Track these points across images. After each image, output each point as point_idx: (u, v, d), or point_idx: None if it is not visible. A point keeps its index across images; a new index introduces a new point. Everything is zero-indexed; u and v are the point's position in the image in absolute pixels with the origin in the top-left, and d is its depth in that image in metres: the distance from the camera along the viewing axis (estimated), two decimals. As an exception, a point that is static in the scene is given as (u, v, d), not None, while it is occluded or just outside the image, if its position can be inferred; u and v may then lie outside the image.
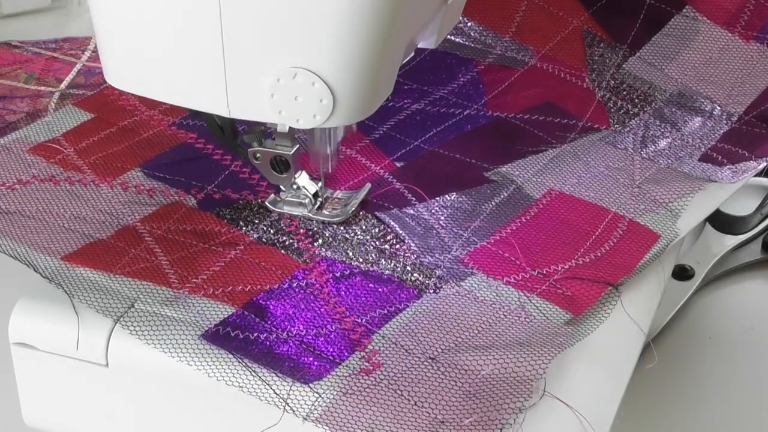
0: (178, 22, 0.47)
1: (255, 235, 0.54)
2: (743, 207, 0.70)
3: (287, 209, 0.56)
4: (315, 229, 0.55)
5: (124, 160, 0.60)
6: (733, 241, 0.67)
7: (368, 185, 0.58)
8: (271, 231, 0.55)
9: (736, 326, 0.62)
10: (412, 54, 0.55)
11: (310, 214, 0.56)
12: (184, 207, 0.57)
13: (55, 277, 0.49)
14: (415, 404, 0.43)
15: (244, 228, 0.55)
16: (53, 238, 0.52)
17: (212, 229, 0.55)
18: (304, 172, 0.56)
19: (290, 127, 0.53)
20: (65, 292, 0.48)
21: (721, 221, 0.69)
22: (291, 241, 0.54)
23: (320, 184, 0.57)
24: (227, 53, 0.47)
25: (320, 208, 0.56)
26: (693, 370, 0.59)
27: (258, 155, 0.55)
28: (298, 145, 0.54)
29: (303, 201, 0.56)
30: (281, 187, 0.56)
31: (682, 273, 0.64)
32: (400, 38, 0.48)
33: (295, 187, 0.56)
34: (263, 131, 0.54)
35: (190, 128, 0.64)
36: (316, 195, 0.56)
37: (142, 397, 0.48)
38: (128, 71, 0.50)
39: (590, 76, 0.69)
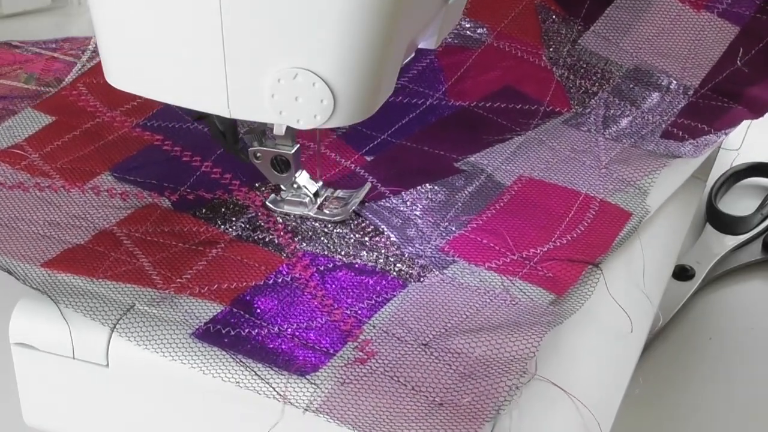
0: (179, 22, 0.47)
1: (234, 233, 0.54)
2: (743, 207, 0.70)
3: (288, 209, 0.56)
4: (294, 224, 0.55)
5: (92, 164, 0.59)
6: (733, 241, 0.67)
7: (368, 184, 0.58)
8: (250, 228, 0.55)
9: (736, 326, 0.62)
10: (413, 55, 0.55)
11: (310, 214, 0.56)
12: (160, 209, 0.56)
13: (39, 284, 0.48)
14: (413, 389, 0.44)
15: (222, 226, 0.55)
16: (30, 246, 0.51)
17: (190, 229, 0.55)
18: (304, 172, 0.56)
19: (290, 127, 0.53)
20: (50, 298, 0.47)
21: (721, 221, 0.68)
22: (271, 236, 0.54)
23: (320, 183, 0.57)
24: (227, 53, 0.47)
25: (321, 207, 0.56)
26: (693, 370, 0.59)
27: (258, 155, 0.55)
28: (298, 145, 0.54)
29: (303, 200, 0.56)
30: (282, 186, 0.56)
31: (682, 273, 0.64)
32: (400, 39, 0.48)
33: (295, 186, 0.56)
34: (263, 131, 0.54)
35: (155, 130, 0.63)
36: (316, 194, 0.56)
37: (143, 397, 0.48)
38: (128, 71, 0.50)
39: (547, 53, 0.69)
